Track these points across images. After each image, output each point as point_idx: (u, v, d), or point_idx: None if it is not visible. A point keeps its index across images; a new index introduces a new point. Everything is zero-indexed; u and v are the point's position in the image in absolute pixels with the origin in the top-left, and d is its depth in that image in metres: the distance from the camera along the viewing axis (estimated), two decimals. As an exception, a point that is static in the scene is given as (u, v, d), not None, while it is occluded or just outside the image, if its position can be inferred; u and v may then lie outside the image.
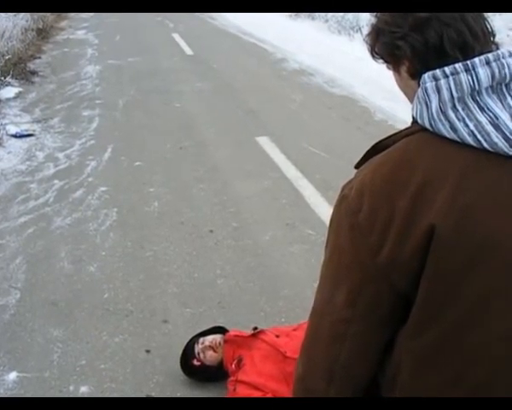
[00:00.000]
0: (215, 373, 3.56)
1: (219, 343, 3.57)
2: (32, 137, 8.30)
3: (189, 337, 3.75)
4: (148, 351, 3.87)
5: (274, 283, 4.60)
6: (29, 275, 4.79)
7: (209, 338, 3.62)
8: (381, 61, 1.48)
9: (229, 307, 4.31)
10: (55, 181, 6.68)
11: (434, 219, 1.27)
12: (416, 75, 1.39)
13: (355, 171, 1.46)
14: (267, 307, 4.28)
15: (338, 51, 13.73)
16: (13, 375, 3.70)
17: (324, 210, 5.73)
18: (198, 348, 3.59)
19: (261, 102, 9.83)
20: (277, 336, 3.46)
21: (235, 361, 3.45)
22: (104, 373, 3.70)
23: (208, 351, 3.55)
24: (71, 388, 3.58)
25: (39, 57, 14.09)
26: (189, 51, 14.79)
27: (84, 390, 3.55)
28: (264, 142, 7.83)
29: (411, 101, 1.44)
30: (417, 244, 1.28)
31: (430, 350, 1.35)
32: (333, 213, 1.45)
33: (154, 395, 3.51)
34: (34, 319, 4.24)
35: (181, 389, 3.56)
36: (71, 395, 3.51)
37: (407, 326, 1.36)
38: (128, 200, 6.15)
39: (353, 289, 1.38)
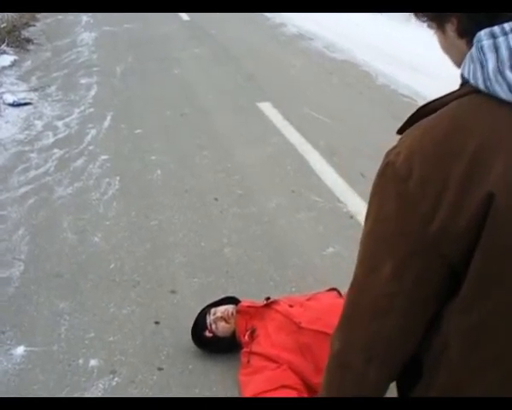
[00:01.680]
0: (227, 345, 3.49)
1: (232, 314, 3.50)
2: (30, 106, 8.17)
3: (198, 308, 3.69)
4: (157, 323, 3.80)
5: (282, 251, 4.52)
6: (32, 246, 4.70)
7: (221, 309, 3.54)
8: (424, 19, 1.37)
9: (238, 276, 4.24)
10: (55, 150, 6.57)
11: (493, 187, 1.17)
12: (464, 34, 1.29)
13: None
14: (276, 276, 4.21)
15: (336, 16, 13.52)
16: (20, 349, 3.62)
17: (330, 176, 5.67)
18: (210, 319, 3.51)
19: (261, 68, 9.69)
20: (291, 307, 3.38)
21: (248, 332, 3.38)
22: (113, 346, 3.62)
23: (220, 322, 3.48)
24: (80, 361, 3.50)
25: (34, 25, 13.88)
26: (185, 16, 14.58)
27: (93, 364, 3.48)
28: (266, 107, 7.71)
29: (456, 61, 1.34)
30: (474, 214, 1.19)
31: (479, 327, 1.27)
32: (375, 181, 1.34)
33: (164, 367, 3.44)
34: (39, 291, 4.16)
35: (192, 361, 3.49)
36: (80, 369, 3.44)
37: (457, 301, 1.28)
38: (130, 168, 6.05)
39: (400, 262, 1.29)
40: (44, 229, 4.96)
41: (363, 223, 1.39)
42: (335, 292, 3.58)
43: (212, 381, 3.33)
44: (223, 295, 3.79)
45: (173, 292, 4.08)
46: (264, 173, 5.85)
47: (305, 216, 5.02)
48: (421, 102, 1.35)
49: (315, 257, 4.41)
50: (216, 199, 5.34)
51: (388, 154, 1.32)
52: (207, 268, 4.33)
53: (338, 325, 1.45)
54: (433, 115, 1.29)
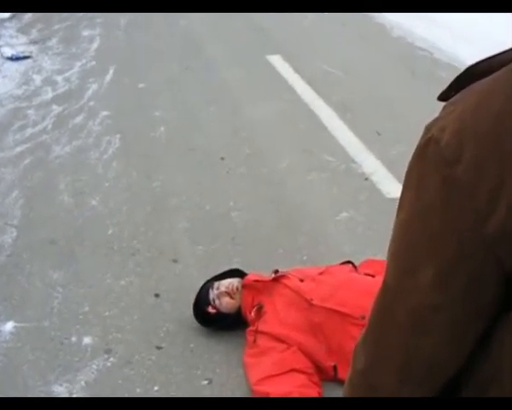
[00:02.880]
0: (232, 322, 3.22)
1: (236, 289, 3.22)
2: (29, 60, 7.88)
3: (202, 278, 3.43)
4: (156, 295, 3.53)
5: (293, 216, 4.23)
6: (26, 210, 4.44)
7: (225, 283, 3.26)
8: None
9: (245, 243, 3.96)
10: (54, 106, 6.30)
11: None
12: None
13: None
14: (286, 243, 3.92)
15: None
16: (9, 325, 3.37)
17: (344, 134, 5.36)
18: (213, 293, 3.23)
19: (270, 19, 9.29)
20: (302, 281, 3.09)
21: (254, 309, 3.11)
22: (109, 321, 3.36)
23: (224, 297, 3.20)
24: (73, 339, 3.25)
25: (36, -25, 13.50)
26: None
27: (87, 342, 3.22)
28: (276, 61, 7.38)
29: None
30: None
31: None
32: (412, 161, 1.03)
33: (164, 346, 3.18)
34: (32, 260, 3.90)
35: (194, 339, 3.22)
36: (73, 348, 3.18)
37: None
38: (132, 125, 5.78)
39: (446, 266, 0.99)
40: (40, 191, 4.70)
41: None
42: (350, 265, 3.29)
43: (216, 362, 3.07)
44: (228, 266, 3.52)
45: (175, 261, 3.81)
46: (274, 131, 5.54)
47: (317, 177, 4.71)
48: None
49: (328, 222, 4.12)
50: (222, 158, 5.04)
51: (429, 127, 1.00)
52: (212, 234, 4.06)
53: (364, 334, 1.16)
54: (490, 78, 0.97)
